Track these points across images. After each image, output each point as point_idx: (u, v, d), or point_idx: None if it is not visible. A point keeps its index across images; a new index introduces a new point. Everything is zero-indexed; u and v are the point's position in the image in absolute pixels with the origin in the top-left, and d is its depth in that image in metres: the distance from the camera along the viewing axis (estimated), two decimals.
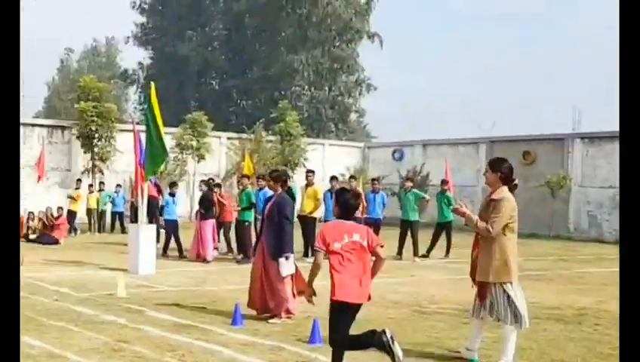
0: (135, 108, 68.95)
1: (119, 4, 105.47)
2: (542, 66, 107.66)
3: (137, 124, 21.60)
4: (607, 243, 27.69)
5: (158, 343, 8.45)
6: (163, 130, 15.94)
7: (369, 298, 6.69)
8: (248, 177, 19.80)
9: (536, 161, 33.15)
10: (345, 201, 6.86)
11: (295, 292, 10.05)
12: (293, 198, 10.99)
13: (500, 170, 7.68)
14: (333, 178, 19.53)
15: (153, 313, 10.39)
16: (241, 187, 18.84)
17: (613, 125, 29.78)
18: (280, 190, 10.58)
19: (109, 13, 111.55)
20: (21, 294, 11.77)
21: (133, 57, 74.08)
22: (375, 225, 19.01)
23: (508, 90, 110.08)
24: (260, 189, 17.98)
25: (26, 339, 8.46)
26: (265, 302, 10.23)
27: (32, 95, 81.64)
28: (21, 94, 36.62)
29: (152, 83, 16.27)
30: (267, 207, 10.55)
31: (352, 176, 21.05)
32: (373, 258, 6.79)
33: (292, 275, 10.14)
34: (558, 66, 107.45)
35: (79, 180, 28.51)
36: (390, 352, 6.35)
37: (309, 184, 18.73)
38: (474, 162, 36.06)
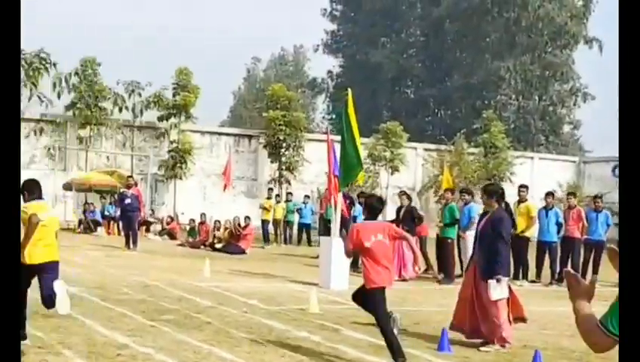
0: (323, 117, 70.59)
1: (309, 12, 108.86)
2: None
3: (327, 133, 21.77)
4: None
5: None
6: (359, 140, 15.84)
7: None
8: (452, 191, 19.38)
9: None
10: (371, 205, 9.01)
11: (511, 319, 9.64)
12: (511, 215, 10.49)
13: None
14: (548, 194, 18.58)
15: (349, 332, 10.16)
16: (443, 201, 18.49)
17: None
18: (496, 206, 10.06)
19: (298, 21, 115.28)
20: (208, 303, 12.00)
21: (322, 66, 75.77)
22: (597, 246, 17.84)
23: None
24: (465, 204, 17.52)
25: (217, 351, 8.49)
26: (476, 325, 9.75)
27: (220, 103, 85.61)
28: (206, 102, 38.26)
29: (349, 90, 16.18)
30: (481, 224, 10.12)
31: (570, 193, 19.92)
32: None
33: (508, 299, 9.63)
34: None
35: (271, 189, 29.45)
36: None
37: (521, 200, 17.97)
38: None
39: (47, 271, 8.35)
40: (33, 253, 8.18)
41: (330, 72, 68.00)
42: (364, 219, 9.28)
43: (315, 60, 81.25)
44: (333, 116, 64.72)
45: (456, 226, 17.69)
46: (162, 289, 13.47)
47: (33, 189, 8.47)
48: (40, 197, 8.54)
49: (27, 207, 8.21)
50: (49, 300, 8.48)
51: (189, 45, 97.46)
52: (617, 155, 40.49)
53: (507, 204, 10.38)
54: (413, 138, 38.66)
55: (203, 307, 11.74)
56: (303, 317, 11.14)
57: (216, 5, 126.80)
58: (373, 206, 8.98)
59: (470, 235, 15.87)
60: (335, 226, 15.97)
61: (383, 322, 8.40)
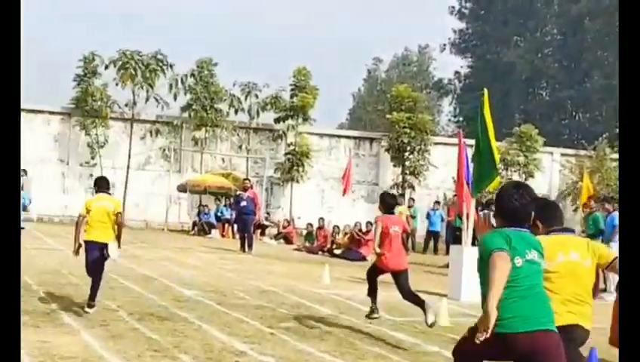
0: (449, 120, 69.83)
1: (435, 10, 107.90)
2: None
3: (458, 135, 21.35)
4: None
5: None
6: (495, 143, 15.34)
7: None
8: (598, 199, 19.00)
9: None
10: (388, 202, 10.99)
11: None
12: None
13: None
14: None
15: None
16: (587, 210, 18.07)
17: None
18: None
19: (423, 20, 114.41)
20: (329, 312, 11.80)
21: (449, 66, 74.86)
22: None
23: None
24: (608, 213, 16.94)
25: None
26: None
27: (338, 105, 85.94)
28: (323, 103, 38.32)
29: (485, 90, 15.75)
30: None
31: None
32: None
33: None
34: None
35: (402, 195, 29.29)
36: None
37: None
38: None
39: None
40: (88, 232, 10.43)
41: (457, 72, 67.30)
42: (383, 214, 10.84)
43: (441, 60, 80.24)
44: (461, 118, 64.00)
45: (600, 237, 17.04)
46: (280, 295, 13.37)
47: (99, 184, 10.98)
48: (104, 191, 10.82)
49: (86, 202, 10.83)
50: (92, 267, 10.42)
51: (307, 46, 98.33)
52: None
53: None
54: (549, 142, 37.63)
55: (324, 315, 11.58)
56: (432, 330, 10.72)
57: (335, 5, 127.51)
58: (389, 202, 11.04)
59: (614, 246, 15.16)
60: (467, 234, 15.58)
61: (408, 296, 10.73)
